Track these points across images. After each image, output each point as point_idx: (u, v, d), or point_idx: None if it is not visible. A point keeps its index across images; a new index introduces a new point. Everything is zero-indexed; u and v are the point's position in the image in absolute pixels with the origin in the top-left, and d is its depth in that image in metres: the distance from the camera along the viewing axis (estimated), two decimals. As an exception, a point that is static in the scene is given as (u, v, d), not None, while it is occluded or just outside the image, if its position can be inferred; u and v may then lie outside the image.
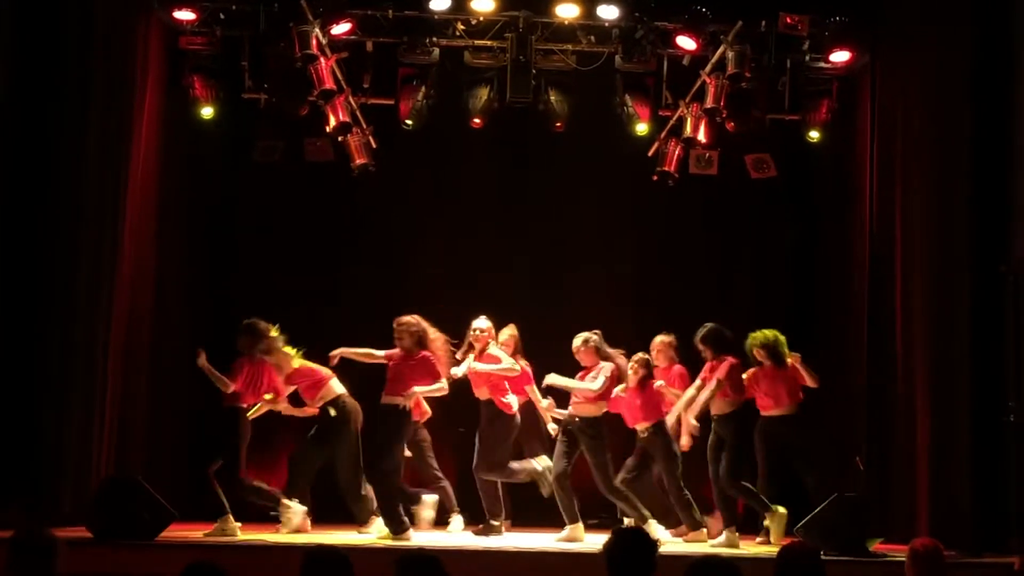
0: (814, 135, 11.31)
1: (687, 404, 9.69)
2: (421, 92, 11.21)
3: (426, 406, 10.01)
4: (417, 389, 9.30)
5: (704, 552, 8.96)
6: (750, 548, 9.40)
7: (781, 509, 9.49)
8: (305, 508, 9.74)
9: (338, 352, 9.61)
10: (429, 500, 9.85)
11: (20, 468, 9.16)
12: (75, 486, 9.37)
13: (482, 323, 9.87)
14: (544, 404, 10.06)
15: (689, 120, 11.16)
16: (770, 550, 8.82)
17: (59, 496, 9.29)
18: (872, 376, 10.51)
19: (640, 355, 9.94)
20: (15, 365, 9.25)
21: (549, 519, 9.97)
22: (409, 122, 11.27)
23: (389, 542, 8.98)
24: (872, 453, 10.38)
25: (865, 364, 10.63)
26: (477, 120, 11.37)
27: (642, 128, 11.35)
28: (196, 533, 9.13)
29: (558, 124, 11.42)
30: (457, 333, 10.15)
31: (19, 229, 9.34)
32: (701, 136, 11.17)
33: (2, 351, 9.19)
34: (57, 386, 9.39)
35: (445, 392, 9.55)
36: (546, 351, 10.35)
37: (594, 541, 9.35)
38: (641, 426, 9.87)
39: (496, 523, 9.74)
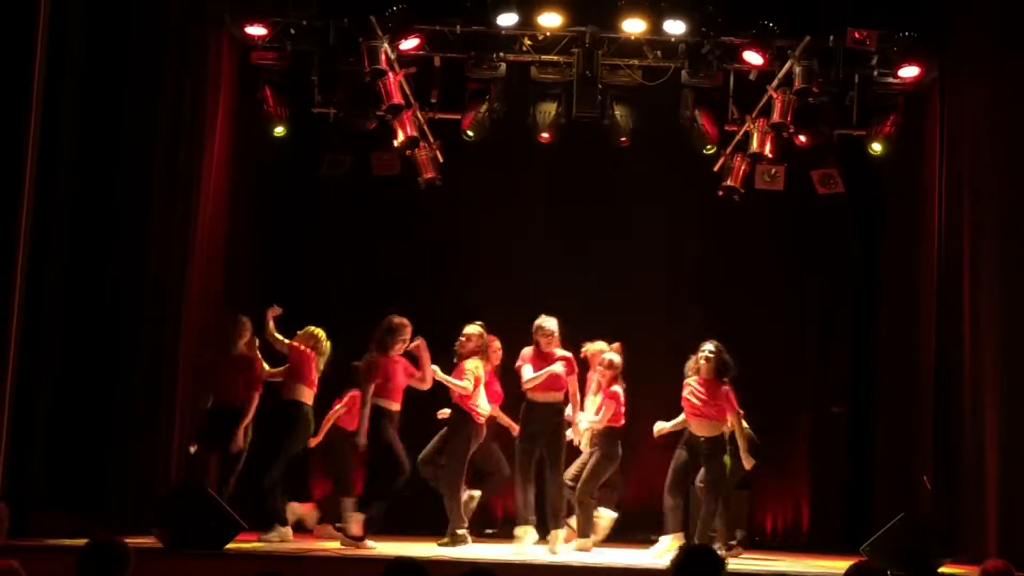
0: (876, 147, 11.20)
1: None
2: (484, 105, 11.26)
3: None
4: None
5: (772, 571, 8.96)
6: (816, 565, 9.37)
7: None
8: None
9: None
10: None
11: (89, 475, 9.29)
12: (144, 494, 9.46)
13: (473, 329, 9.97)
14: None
15: (755, 135, 11.11)
16: (837, 569, 8.74)
17: (128, 504, 9.39)
18: (939, 394, 10.42)
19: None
20: (86, 372, 9.37)
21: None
22: (470, 133, 11.32)
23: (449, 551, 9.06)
24: (939, 472, 10.29)
25: (932, 381, 10.54)
26: (545, 135, 11.40)
27: (709, 148, 11.32)
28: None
29: (623, 139, 11.42)
30: (518, 343, 10.23)
31: (90, 239, 9.47)
32: (767, 151, 11.12)
33: (74, 355, 9.31)
34: (127, 393, 9.51)
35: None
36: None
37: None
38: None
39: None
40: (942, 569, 8.59)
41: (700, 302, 12.04)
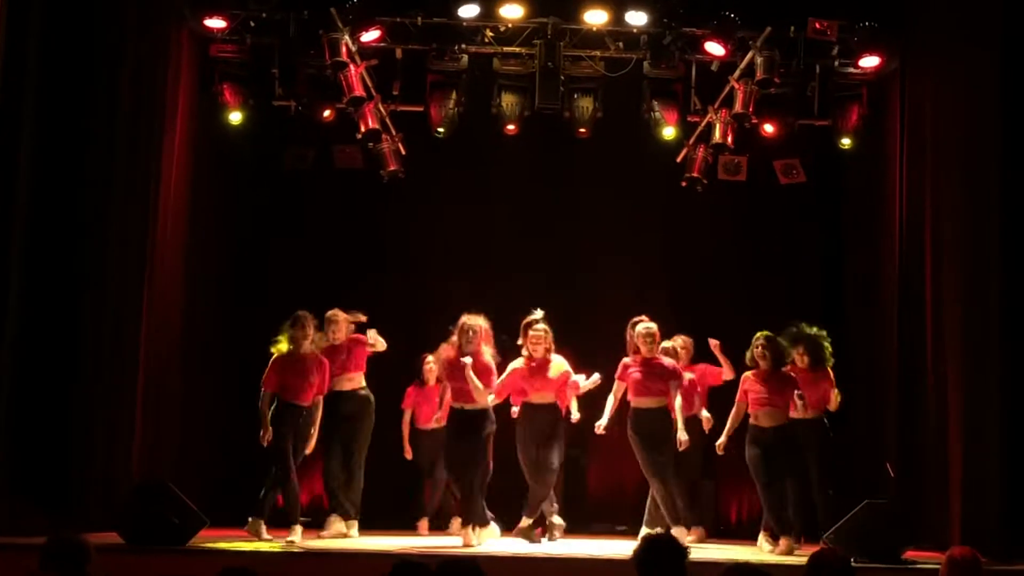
0: (846, 142, 11.24)
1: None
2: (452, 100, 11.23)
3: None
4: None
5: (734, 559, 8.98)
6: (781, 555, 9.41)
7: None
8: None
9: None
10: None
11: (50, 472, 9.23)
12: (106, 491, 9.40)
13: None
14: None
15: (717, 126, 11.14)
16: (800, 558, 8.78)
17: (90, 501, 9.33)
18: (903, 381, 10.47)
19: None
20: (45, 368, 9.31)
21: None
22: (441, 130, 11.29)
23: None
24: (903, 459, 10.35)
25: (895, 369, 10.59)
26: (511, 126, 11.38)
27: (669, 133, 11.33)
28: (227, 538, 9.17)
29: (582, 130, 11.42)
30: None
31: (50, 233, 9.41)
32: (730, 142, 11.15)
33: (34, 351, 9.25)
34: (88, 389, 9.44)
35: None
36: (575, 356, 10.33)
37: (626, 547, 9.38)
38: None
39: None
40: (905, 556, 8.64)
41: (662, 293, 12.02)
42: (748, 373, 9.83)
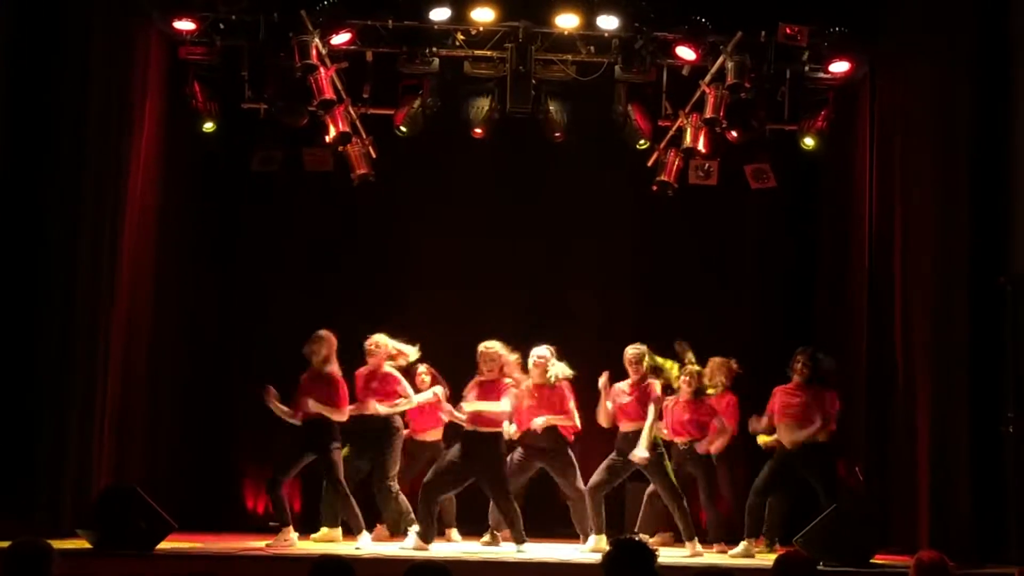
0: (808, 142, 11.26)
1: None
2: (417, 100, 11.20)
3: None
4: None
5: (704, 563, 8.99)
6: (748, 558, 9.42)
7: None
8: None
9: None
10: None
11: (18, 477, 9.16)
12: (74, 496, 9.34)
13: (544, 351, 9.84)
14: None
15: (689, 130, 11.13)
16: (767, 561, 8.79)
17: (58, 506, 9.27)
18: (871, 386, 10.51)
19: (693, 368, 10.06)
20: (14, 373, 9.25)
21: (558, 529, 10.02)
22: (403, 129, 11.24)
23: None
24: (872, 464, 10.38)
25: (864, 374, 10.63)
26: (478, 130, 11.36)
27: (642, 143, 11.32)
28: (195, 542, 9.13)
29: (557, 134, 11.41)
30: (454, 343, 10.22)
31: (18, 237, 9.35)
32: (701, 146, 11.16)
33: (1, 356, 9.18)
34: (56, 395, 9.38)
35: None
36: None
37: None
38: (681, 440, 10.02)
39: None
40: (874, 560, 8.67)
41: (633, 297, 12.03)
42: (783, 386, 9.93)
